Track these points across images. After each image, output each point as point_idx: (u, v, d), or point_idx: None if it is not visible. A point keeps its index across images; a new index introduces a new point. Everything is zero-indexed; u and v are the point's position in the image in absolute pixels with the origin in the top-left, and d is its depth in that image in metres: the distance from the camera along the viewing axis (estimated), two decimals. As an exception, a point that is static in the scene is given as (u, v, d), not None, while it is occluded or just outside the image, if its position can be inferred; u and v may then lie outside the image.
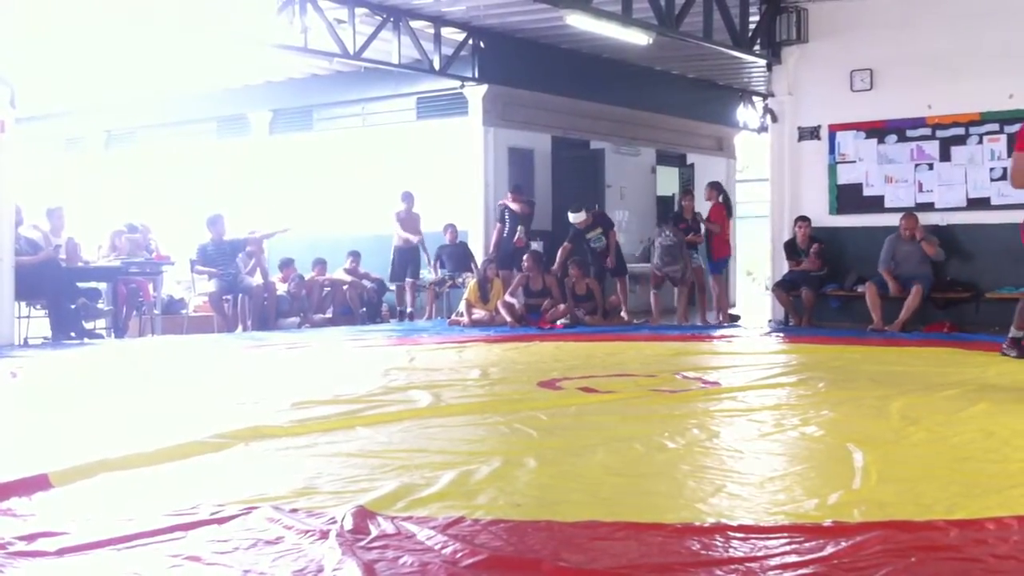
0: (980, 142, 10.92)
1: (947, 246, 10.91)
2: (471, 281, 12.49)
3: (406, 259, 13.42)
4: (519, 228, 13.13)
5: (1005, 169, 10.71)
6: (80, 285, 11.22)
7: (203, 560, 2.70)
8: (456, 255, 13.30)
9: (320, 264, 13.44)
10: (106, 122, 18.06)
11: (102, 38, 12.42)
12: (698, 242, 12.68)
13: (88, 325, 11.18)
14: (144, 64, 14.12)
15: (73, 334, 10.54)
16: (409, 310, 13.45)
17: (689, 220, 12.70)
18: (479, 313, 12.11)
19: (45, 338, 10.52)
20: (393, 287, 13.81)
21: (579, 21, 10.49)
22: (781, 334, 10.57)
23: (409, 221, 13.37)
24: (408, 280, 13.40)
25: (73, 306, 10.87)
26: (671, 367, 7.42)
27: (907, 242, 10.78)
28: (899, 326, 10.38)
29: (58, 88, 15.61)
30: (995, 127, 10.80)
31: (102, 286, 11.68)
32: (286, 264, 13.27)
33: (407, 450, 4.18)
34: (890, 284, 10.70)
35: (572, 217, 12.43)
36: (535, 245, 13.48)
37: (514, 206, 13.22)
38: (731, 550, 2.80)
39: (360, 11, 12.01)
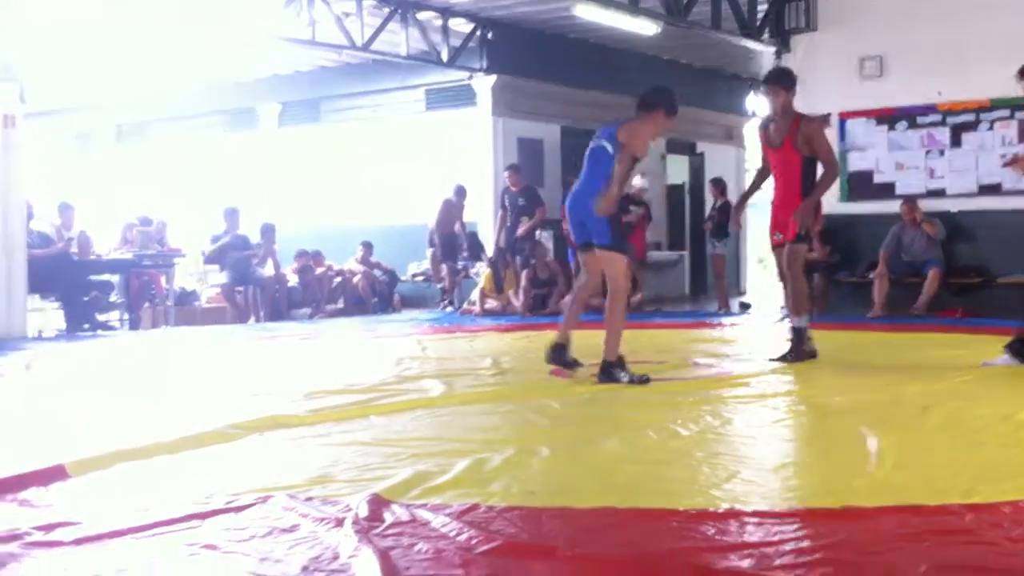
0: (991, 128, 10.87)
1: (959, 232, 10.89)
2: (485, 271, 12.51)
3: (453, 243, 13.17)
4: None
5: (1015, 155, 10.70)
6: (93, 278, 11.26)
7: (220, 548, 2.71)
8: (468, 245, 13.29)
9: (316, 255, 13.41)
10: (116, 117, 18.09)
11: (111, 33, 12.44)
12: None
13: (101, 317, 11.22)
14: (153, 58, 14.13)
15: (86, 326, 10.58)
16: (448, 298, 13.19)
17: (718, 208, 12.79)
18: (491, 302, 12.12)
19: (59, 331, 10.57)
20: (408, 276, 13.83)
21: (587, 11, 10.48)
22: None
23: (457, 210, 13.08)
24: (453, 264, 13.13)
25: (86, 299, 10.91)
26: (683, 354, 7.41)
27: (912, 228, 10.79)
28: (923, 308, 10.38)
29: (68, 83, 15.64)
30: (1006, 113, 10.76)
31: (115, 279, 11.72)
32: (301, 254, 13.27)
33: (421, 438, 4.19)
34: (879, 267, 10.71)
35: (637, 180, 12.51)
36: (544, 236, 13.45)
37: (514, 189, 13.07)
38: (746, 535, 2.80)
39: (367, 3, 12.00)
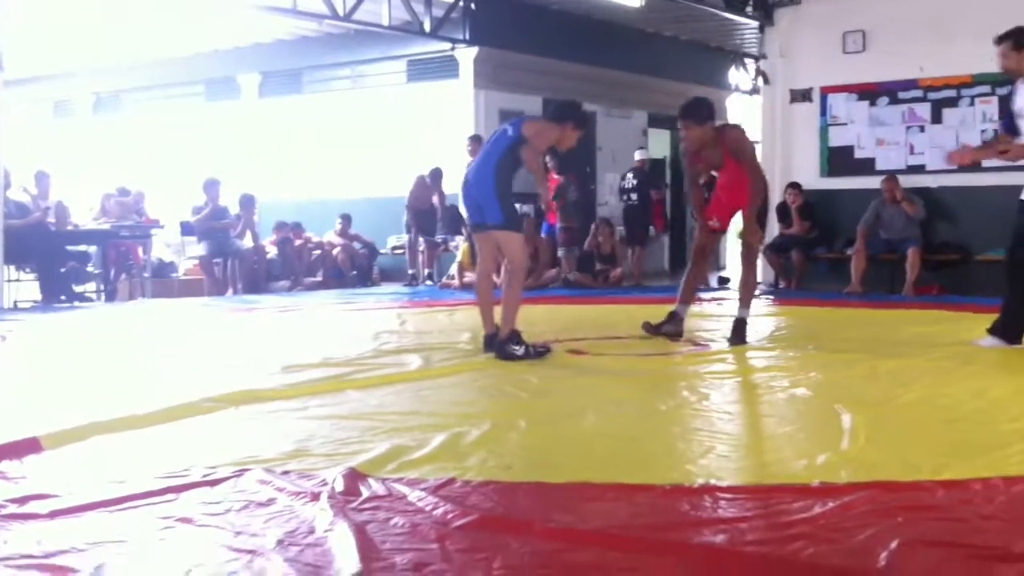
0: (972, 104, 10.92)
1: (938, 209, 10.94)
2: (463, 244, 12.47)
3: (429, 218, 13.15)
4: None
5: (995, 131, 10.76)
6: (69, 248, 11.18)
7: (195, 522, 2.71)
8: (446, 218, 13.25)
9: (295, 226, 13.36)
10: (94, 85, 17.91)
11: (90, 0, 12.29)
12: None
13: (78, 288, 11.14)
14: (132, 26, 13.98)
15: (63, 297, 10.51)
16: (427, 271, 13.11)
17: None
18: (471, 276, 12.09)
19: (35, 302, 10.49)
20: (388, 249, 13.79)
21: (570, -18, 10.41)
22: (771, 297, 10.59)
23: (431, 188, 13.05)
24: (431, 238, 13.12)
25: (63, 270, 10.83)
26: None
27: (891, 205, 10.82)
28: (910, 289, 10.42)
29: (46, 51, 15.46)
30: (987, 89, 10.80)
31: (92, 249, 11.63)
32: (280, 226, 13.21)
33: (398, 412, 4.19)
34: (857, 243, 10.76)
35: (638, 154, 13.39)
36: (525, 209, 13.41)
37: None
38: (720, 510, 2.82)
39: (350, -29, 11.88)
